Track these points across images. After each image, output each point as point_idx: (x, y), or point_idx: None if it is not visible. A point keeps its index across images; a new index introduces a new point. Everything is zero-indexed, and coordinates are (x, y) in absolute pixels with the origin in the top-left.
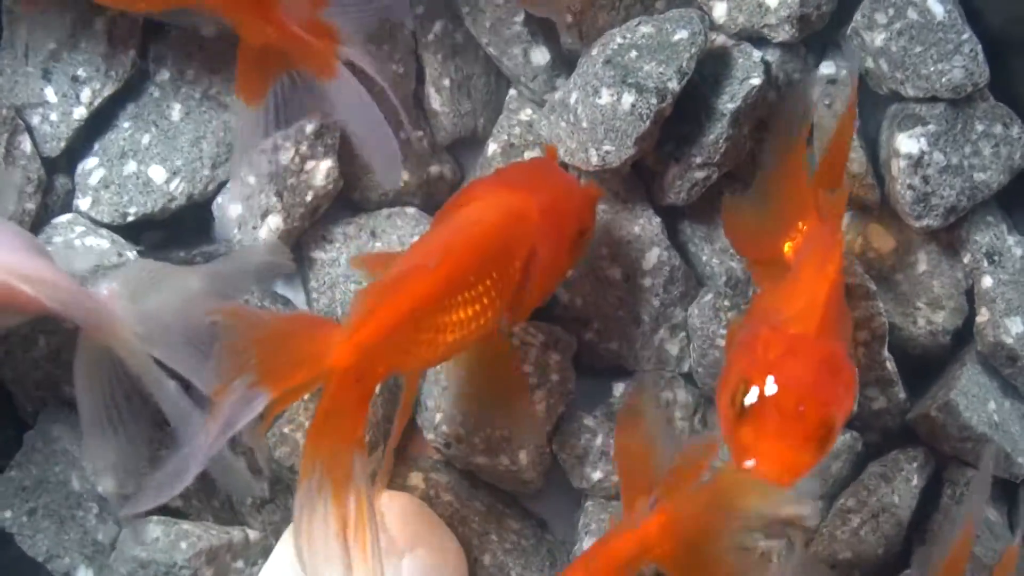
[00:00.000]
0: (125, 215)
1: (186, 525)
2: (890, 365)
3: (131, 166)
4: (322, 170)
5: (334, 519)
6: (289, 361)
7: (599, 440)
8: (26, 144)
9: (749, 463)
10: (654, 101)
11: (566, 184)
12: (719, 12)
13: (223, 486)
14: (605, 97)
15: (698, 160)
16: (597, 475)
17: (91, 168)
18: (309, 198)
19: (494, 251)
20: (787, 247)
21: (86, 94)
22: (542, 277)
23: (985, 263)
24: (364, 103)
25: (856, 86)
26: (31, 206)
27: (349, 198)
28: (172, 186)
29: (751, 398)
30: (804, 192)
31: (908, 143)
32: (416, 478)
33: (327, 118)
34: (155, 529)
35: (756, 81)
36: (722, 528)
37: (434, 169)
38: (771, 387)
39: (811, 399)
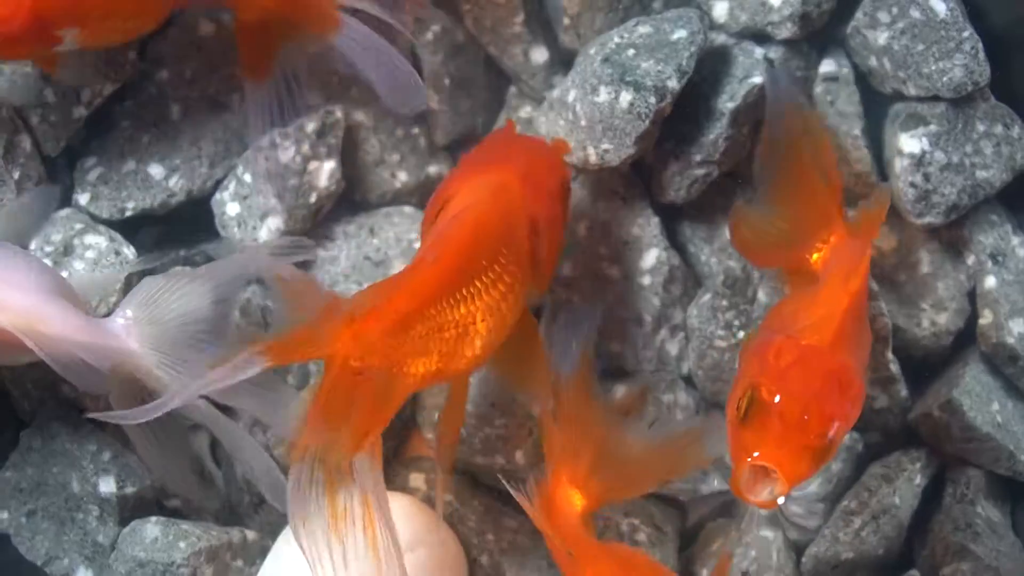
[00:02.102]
0: (123, 210)
1: (185, 525)
2: (894, 367)
3: (130, 165)
4: (326, 171)
5: (328, 515)
6: (295, 337)
7: None
8: (26, 143)
9: (740, 464)
10: (653, 100)
11: (533, 146)
12: (720, 11)
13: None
14: (603, 95)
15: (697, 158)
16: None
17: (90, 166)
18: (312, 199)
19: (495, 229)
20: (815, 257)
21: (86, 94)
22: (546, 240)
23: (989, 264)
24: (375, 43)
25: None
26: None
27: (350, 199)
28: (171, 182)
29: (755, 404)
30: (827, 201)
31: (910, 142)
32: (417, 479)
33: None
34: (154, 529)
35: (757, 80)
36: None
37: (432, 169)
38: (777, 395)
39: (815, 410)
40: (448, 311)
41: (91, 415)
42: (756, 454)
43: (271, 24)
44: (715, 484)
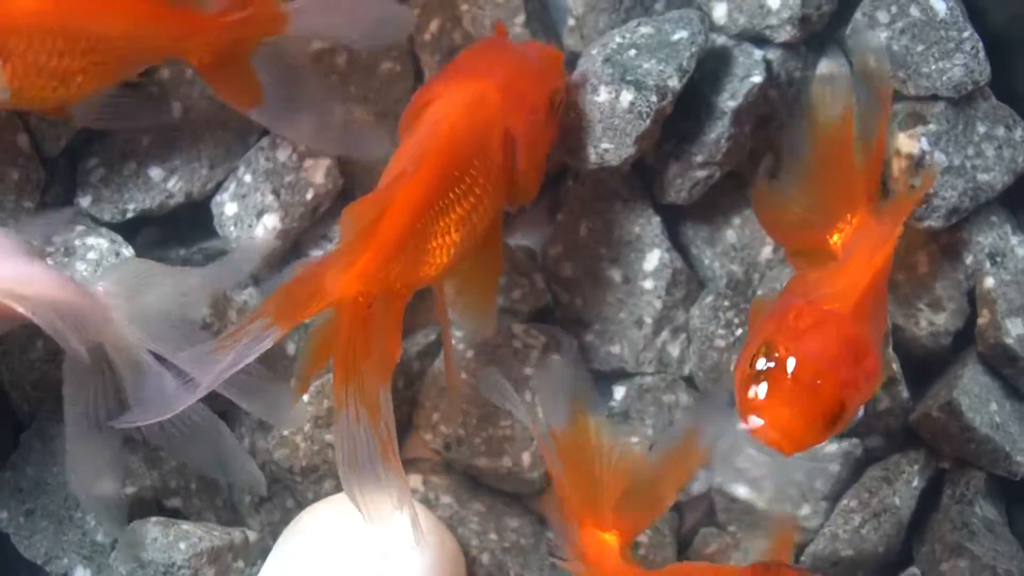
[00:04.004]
0: (125, 212)
1: (186, 526)
2: (895, 366)
3: (131, 166)
4: (322, 168)
5: (376, 446)
6: (298, 297)
7: None
8: (25, 143)
9: (754, 422)
10: (654, 99)
11: (520, 55)
12: (719, 13)
13: (228, 476)
14: (603, 95)
15: (699, 159)
16: None
17: (91, 167)
18: (309, 196)
19: (466, 142)
20: (835, 238)
21: None
22: (527, 153)
23: (987, 264)
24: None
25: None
26: (29, 204)
27: (352, 198)
28: (170, 184)
29: (770, 362)
30: (854, 183)
31: (909, 143)
32: (415, 481)
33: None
34: (154, 529)
35: (757, 79)
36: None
37: None
38: (793, 355)
39: (830, 375)
40: (430, 224)
41: (115, 423)
42: (760, 422)
43: (227, 53)
44: (705, 484)
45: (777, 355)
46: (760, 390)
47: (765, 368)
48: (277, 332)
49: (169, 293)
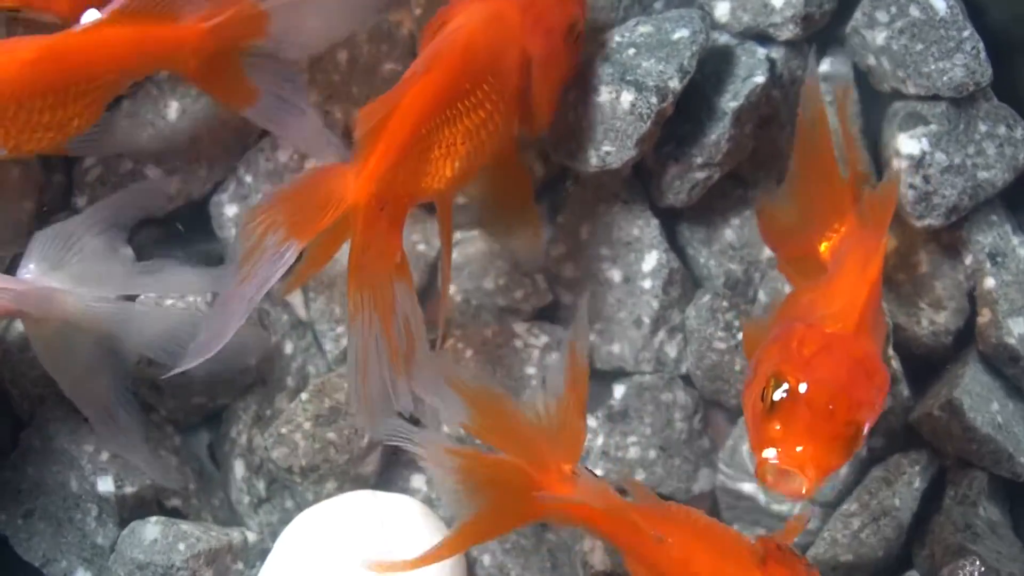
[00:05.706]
0: None
1: (185, 526)
2: (895, 364)
3: (127, 165)
4: None
5: (386, 351)
6: (312, 207)
7: (600, 440)
8: None
9: (768, 454)
10: (654, 100)
11: None
12: (722, 11)
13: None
14: (604, 95)
15: (699, 160)
16: (598, 474)
17: (88, 166)
18: None
19: (481, 54)
20: (823, 246)
21: None
22: (543, 77)
23: (988, 264)
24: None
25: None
26: (28, 205)
27: None
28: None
29: (781, 393)
30: (840, 190)
31: (909, 143)
32: (418, 480)
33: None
34: (153, 530)
35: (760, 79)
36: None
37: None
38: (803, 384)
39: (843, 399)
40: (435, 132)
41: (166, 376)
42: (778, 459)
43: (214, 57)
44: (705, 483)
45: (787, 386)
46: (776, 425)
47: (778, 401)
48: (296, 245)
49: (90, 244)
